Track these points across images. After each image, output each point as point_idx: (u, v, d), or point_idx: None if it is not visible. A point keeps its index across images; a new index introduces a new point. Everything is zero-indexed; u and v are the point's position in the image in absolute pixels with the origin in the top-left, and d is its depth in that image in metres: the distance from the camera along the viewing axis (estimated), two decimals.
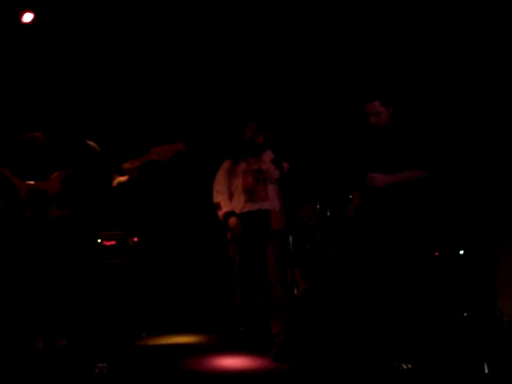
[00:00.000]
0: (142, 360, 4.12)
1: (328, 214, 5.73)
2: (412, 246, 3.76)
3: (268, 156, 4.19)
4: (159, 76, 6.09)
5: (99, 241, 5.13)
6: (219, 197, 4.32)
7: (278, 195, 4.26)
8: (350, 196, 4.23)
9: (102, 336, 4.51)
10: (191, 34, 5.85)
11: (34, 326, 3.71)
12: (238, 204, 4.27)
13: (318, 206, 5.74)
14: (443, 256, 5.20)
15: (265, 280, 4.22)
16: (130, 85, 6.02)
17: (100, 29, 5.55)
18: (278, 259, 4.15)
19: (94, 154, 3.86)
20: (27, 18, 5.16)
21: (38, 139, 3.74)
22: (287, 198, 4.16)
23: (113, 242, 5.21)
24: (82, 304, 3.87)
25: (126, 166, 3.58)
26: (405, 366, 3.55)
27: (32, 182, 3.61)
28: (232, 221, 4.20)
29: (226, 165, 4.40)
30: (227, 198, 4.31)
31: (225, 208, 4.26)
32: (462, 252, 5.16)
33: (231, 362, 4.02)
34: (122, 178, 3.71)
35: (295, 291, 5.25)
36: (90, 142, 3.91)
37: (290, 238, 3.70)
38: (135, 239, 5.26)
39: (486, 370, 3.44)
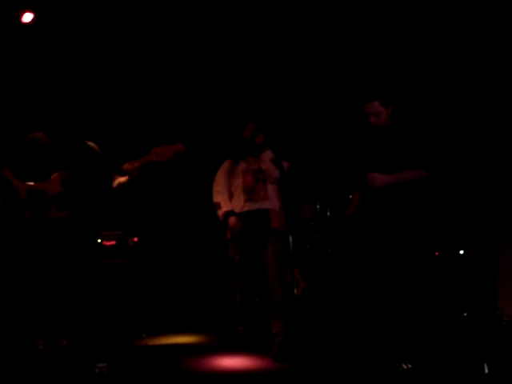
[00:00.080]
0: (142, 360, 4.12)
1: (328, 213, 5.73)
2: (412, 245, 3.76)
3: (267, 155, 4.19)
4: (159, 77, 6.09)
5: (99, 241, 5.13)
6: (219, 197, 4.32)
7: (278, 195, 4.27)
8: (350, 196, 4.23)
9: (102, 336, 4.51)
10: (190, 35, 5.85)
11: (34, 327, 3.71)
12: (238, 204, 4.27)
13: (318, 206, 5.75)
14: (443, 256, 5.20)
15: (265, 280, 4.22)
16: (130, 86, 6.02)
17: (100, 30, 5.55)
18: (278, 259, 4.15)
19: (94, 154, 3.86)
20: (27, 18, 5.16)
21: (39, 140, 3.74)
22: (287, 197, 4.17)
23: (113, 242, 5.21)
24: (82, 304, 3.87)
25: (126, 166, 3.58)
26: (405, 366, 3.55)
27: (32, 183, 3.62)
28: (231, 220, 4.20)
29: (225, 165, 4.40)
30: (227, 198, 4.31)
31: (224, 207, 4.26)
32: (462, 252, 5.16)
33: (231, 362, 4.02)
34: (122, 179, 3.71)
35: (295, 291, 5.25)
36: (91, 143, 3.91)
37: (290, 238, 3.70)
38: (135, 239, 5.27)
39: (486, 370, 3.44)
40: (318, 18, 5.68)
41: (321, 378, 3.58)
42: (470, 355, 3.81)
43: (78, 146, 3.80)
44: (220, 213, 4.28)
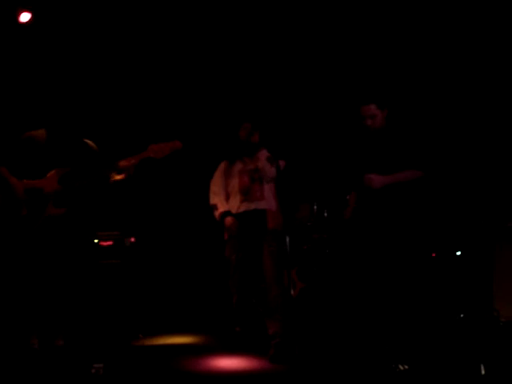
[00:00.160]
0: (139, 360, 4.13)
1: (325, 214, 5.74)
2: (409, 246, 3.77)
3: (263, 155, 4.21)
4: (155, 80, 6.09)
5: (96, 241, 5.12)
6: (215, 198, 4.33)
7: (275, 195, 4.27)
8: (348, 197, 4.24)
9: (99, 336, 4.50)
10: (187, 36, 5.85)
11: (29, 326, 3.70)
12: (235, 204, 4.27)
13: (315, 207, 5.75)
14: (440, 257, 5.21)
15: (261, 280, 4.22)
16: (127, 86, 6.02)
17: (98, 27, 5.55)
18: (274, 259, 4.15)
19: (92, 152, 3.86)
20: (24, 17, 5.16)
21: (36, 138, 3.73)
22: (284, 197, 4.17)
23: (110, 243, 5.21)
24: (78, 304, 3.86)
25: (123, 163, 3.58)
26: (401, 367, 3.56)
27: (29, 181, 3.61)
28: (228, 220, 4.21)
29: (222, 166, 4.40)
30: (224, 199, 4.32)
31: (221, 208, 4.27)
32: (458, 253, 5.17)
33: (228, 363, 4.02)
34: (119, 176, 3.70)
35: (292, 291, 5.25)
36: (88, 141, 3.90)
37: (287, 239, 3.70)
38: (132, 239, 5.26)
39: (483, 371, 3.44)
40: (315, 18, 5.69)
41: (317, 379, 3.58)
42: (466, 356, 3.82)
43: (76, 144, 3.80)
44: (217, 214, 4.28)
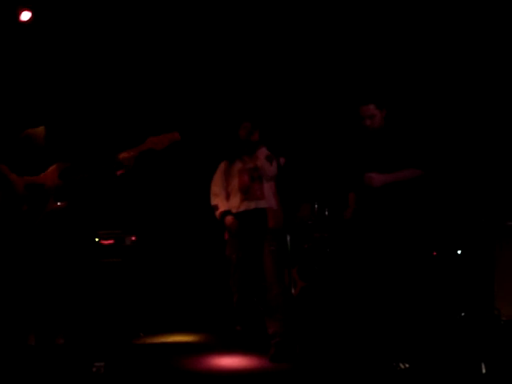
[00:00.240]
0: (140, 359, 4.13)
1: (326, 213, 5.73)
2: (410, 245, 3.77)
3: (262, 153, 4.20)
4: (155, 79, 6.08)
5: (97, 239, 5.12)
6: (216, 199, 4.33)
7: (275, 193, 4.27)
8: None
9: (100, 335, 4.51)
10: (186, 35, 5.84)
11: (27, 323, 3.70)
12: (235, 203, 4.27)
13: (316, 206, 5.75)
14: (441, 256, 5.21)
15: (262, 279, 4.22)
16: (127, 83, 6.01)
17: (97, 24, 5.54)
18: (275, 258, 4.14)
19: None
20: (25, 16, 5.16)
21: (35, 136, 3.74)
22: (285, 196, 4.17)
23: (111, 241, 5.21)
24: (79, 303, 3.86)
25: (123, 155, 3.60)
26: (402, 366, 3.55)
27: (29, 177, 3.61)
28: (228, 219, 4.21)
29: (222, 166, 4.40)
30: (224, 199, 4.32)
31: (221, 208, 4.27)
32: (459, 252, 5.17)
33: (228, 362, 4.02)
34: (119, 172, 3.71)
35: (293, 290, 5.24)
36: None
37: (288, 238, 3.70)
38: (133, 238, 5.26)
39: (484, 370, 3.44)
40: (314, 18, 5.68)
41: (318, 378, 3.58)
42: (467, 355, 3.82)
43: (75, 140, 3.81)
44: (217, 213, 4.29)
